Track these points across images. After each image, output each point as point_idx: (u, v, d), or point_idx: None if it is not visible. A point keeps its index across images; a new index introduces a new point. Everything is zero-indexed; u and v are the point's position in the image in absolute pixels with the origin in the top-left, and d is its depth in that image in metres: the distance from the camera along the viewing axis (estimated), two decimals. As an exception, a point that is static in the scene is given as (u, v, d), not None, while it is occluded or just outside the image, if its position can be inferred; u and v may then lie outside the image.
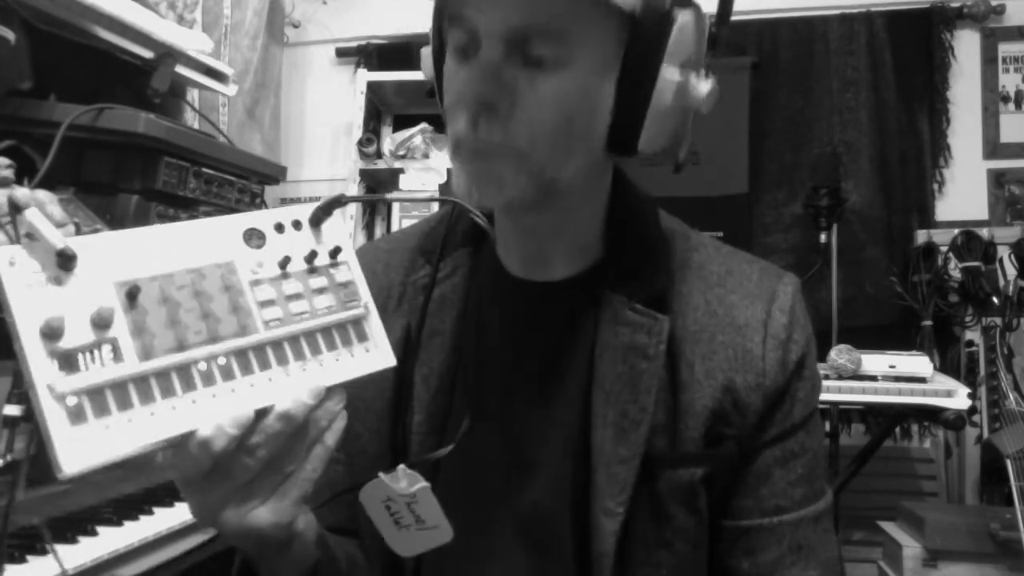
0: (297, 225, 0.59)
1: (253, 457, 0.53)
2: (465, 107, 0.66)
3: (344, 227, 0.61)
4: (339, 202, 0.61)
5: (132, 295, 0.50)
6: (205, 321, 0.53)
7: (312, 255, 0.59)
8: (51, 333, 0.46)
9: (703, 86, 0.68)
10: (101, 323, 0.48)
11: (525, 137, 0.65)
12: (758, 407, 0.72)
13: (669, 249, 0.77)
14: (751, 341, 0.73)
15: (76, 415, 0.46)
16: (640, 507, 0.70)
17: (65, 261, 0.48)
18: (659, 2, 0.65)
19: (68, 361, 0.47)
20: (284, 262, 0.57)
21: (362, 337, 0.60)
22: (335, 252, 0.60)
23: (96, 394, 0.47)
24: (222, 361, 0.53)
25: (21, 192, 0.47)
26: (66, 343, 0.47)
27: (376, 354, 0.61)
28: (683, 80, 0.66)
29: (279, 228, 0.58)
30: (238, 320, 0.54)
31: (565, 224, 0.75)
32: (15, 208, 0.51)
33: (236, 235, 0.56)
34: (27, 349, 0.46)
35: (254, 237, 0.57)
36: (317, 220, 0.60)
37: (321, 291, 0.59)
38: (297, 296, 0.58)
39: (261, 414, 0.53)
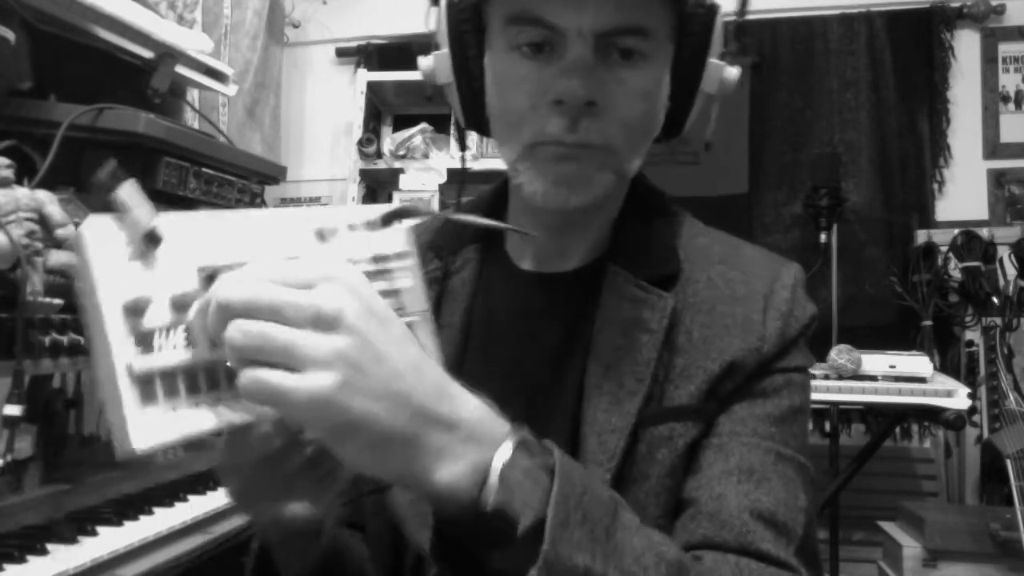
0: (369, 225, 0.58)
1: (301, 453, 0.54)
2: (565, 107, 0.67)
3: (411, 234, 0.59)
4: (418, 212, 0.59)
5: (210, 280, 0.49)
6: None
7: (381, 258, 0.58)
8: (134, 311, 0.46)
9: (732, 71, 0.75)
10: (181, 306, 0.48)
11: (617, 134, 0.69)
12: (750, 369, 0.71)
13: (675, 234, 0.78)
14: (751, 311, 0.72)
15: (148, 396, 0.46)
16: (623, 473, 0.69)
17: (152, 240, 0.47)
18: None
19: (145, 340, 0.46)
20: (352, 263, 0.56)
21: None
22: (400, 256, 0.59)
23: (168, 376, 0.47)
24: None
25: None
26: (146, 323, 0.46)
27: None
28: (719, 67, 0.73)
29: (351, 227, 0.57)
30: None
31: (595, 217, 0.77)
32: (114, 180, 0.49)
33: (309, 230, 0.55)
34: (108, 325, 0.45)
35: (326, 233, 0.56)
36: (388, 221, 0.59)
37: (383, 295, 0.56)
38: None
39: None
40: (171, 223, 0.48)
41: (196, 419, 0.48)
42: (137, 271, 0.47)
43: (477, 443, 0.50)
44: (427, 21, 0.76)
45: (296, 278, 0.47)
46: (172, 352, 0.47)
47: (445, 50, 0.74)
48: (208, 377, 0.49)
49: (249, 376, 0.45)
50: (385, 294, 0.57)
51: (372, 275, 0.57)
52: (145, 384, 0.46)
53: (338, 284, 0.47)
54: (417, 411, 0.47)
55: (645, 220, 0.78)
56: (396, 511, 0.70)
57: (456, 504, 0.50)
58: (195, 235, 0.50)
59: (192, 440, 0.48)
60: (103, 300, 0.45)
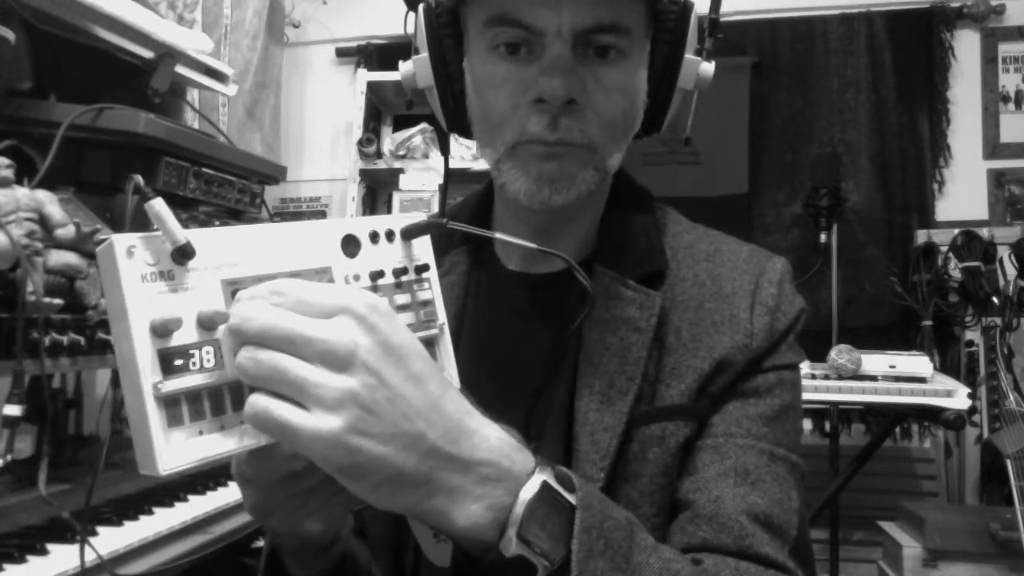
0: (390, 236, 0.58)
1: (321, 472, 0.54)
2: (546, 106, 0.67)
3: (430, 246, 0.60)
4: (439, 226, 0.59)
5: (235, 294, 0.49)
6: None
7: (402, 271, 0.58)
8: (161, 331, 0.46)
9: (707, 67, 0.75)
10: (208, 324, 0.47)
11: (596, 131, 0.69)
12: (740, 367, 0.71)
13: (661, 232, 0.79)
14: (738, 308, 0.73)
15: (174, 418, 0.46)
16: (617, 472, 0.69)
17: (182, 256, 0.47)
18: None
19: (171, 360, 0.46)
20: (376, 275, 0.56)
21: (433, 357, 0.58)
22: (421, 269, 0.59)
23: (194, 396, 0.47)
24: None
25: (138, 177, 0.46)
26: (173, 342, 0.46)
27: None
28: (695, 62, 0.74)
29: (374, 238, 0.57)
30: None
31: (579, 215, 0.77)
32: (142, 195, 0.49)
33: (335, 241, 0.55)
34: (136, 345, 0.45)
35: (351, 244, 0.56)
36: (409, 234, 0.58)
37: (404, 308, 0.57)
38: None
39: None
40: (198, 237, 0.48)
41: (221, 441, 0.47)
42: (164, 288, 0.47)
43: (495, 483, 0.49)
44: (406, 25, 0.77)
45: (312, 306, 0.46)
46: (199, 373, 0.47)
47: (424, 54, 0.74)
48: (233, 396, 0.48)
49: (256, 405, 0.45)
50: (408, 307, 0.58)
51: (395, 288, 0.57)
52: (171, 406, 0.46)
53: (353, 317, 0.46)
54: (429, 452, 0.47)
55: (630, 218, 0.78)
56: (410, 524, 0.70)
57: (476, 544, 0.50)
58: (221, 248, 0.49)
59: (216, 461, 0.48)
60: (132, 320, 0.45)
